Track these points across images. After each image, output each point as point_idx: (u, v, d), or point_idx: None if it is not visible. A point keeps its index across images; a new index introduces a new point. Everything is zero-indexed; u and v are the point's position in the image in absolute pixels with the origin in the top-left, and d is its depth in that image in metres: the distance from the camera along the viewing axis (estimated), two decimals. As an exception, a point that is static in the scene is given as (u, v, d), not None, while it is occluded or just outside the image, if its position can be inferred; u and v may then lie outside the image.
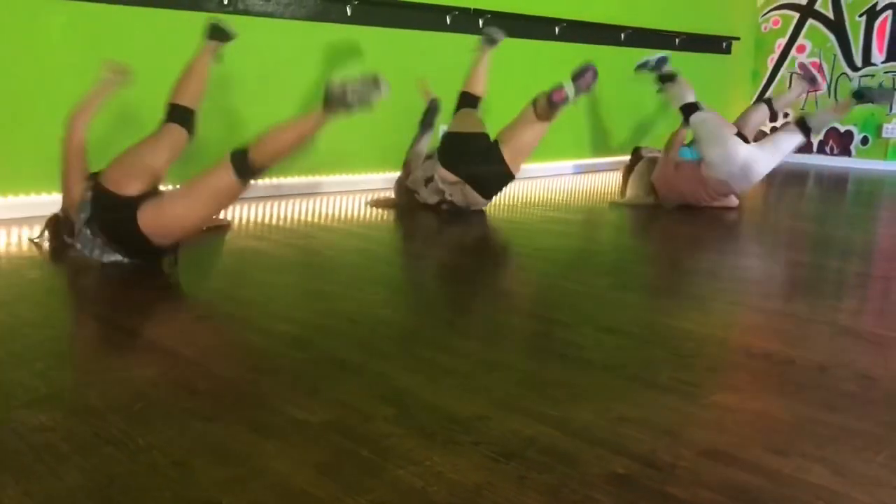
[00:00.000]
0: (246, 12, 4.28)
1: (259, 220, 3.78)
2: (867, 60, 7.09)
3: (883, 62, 7.00)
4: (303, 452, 1.41)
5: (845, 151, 7.24)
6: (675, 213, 4.22)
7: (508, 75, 5.44)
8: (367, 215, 4.03)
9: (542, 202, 4.65)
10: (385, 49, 4.95)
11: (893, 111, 6.90)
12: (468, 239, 3.61)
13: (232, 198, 2.69)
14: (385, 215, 4.05)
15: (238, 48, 4.30)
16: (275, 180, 4.44)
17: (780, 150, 4.21)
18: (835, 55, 7.28)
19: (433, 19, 5.14)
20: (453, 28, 5.26)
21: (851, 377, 1.85)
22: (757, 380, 1.84)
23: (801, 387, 1.78)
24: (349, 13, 4.68)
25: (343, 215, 4.02)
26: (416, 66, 5.12)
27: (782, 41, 7.62)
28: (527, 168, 4.87)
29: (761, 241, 3.76)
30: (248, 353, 2.00)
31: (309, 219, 3.85)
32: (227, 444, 1.44)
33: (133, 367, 1.82)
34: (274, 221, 3.75)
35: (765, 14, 7.72)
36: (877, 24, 7.00)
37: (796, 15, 7.49)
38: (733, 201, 4.39)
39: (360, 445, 1.44)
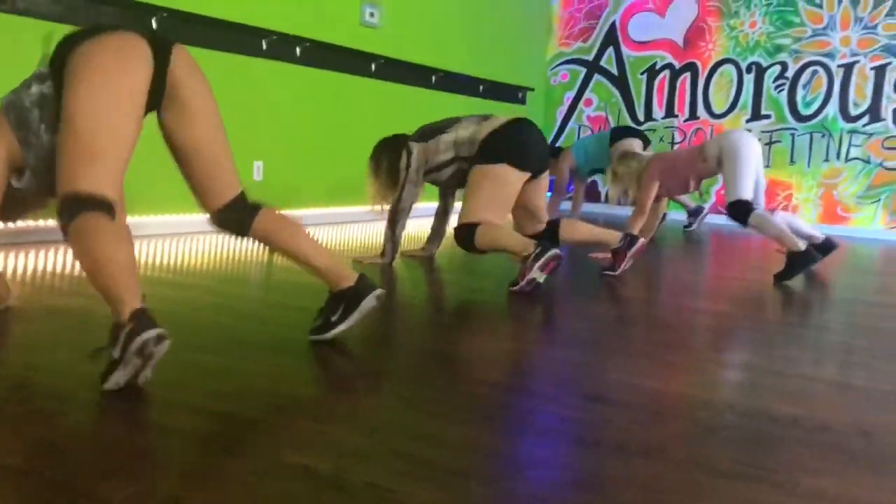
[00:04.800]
0: (27, 13, 3.44)
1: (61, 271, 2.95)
2: (649, 115, 7.51)
3: (663, 118, 7.46)
4: None
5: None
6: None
7: (322, 106, 5.01)
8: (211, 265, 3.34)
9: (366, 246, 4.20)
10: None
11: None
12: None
13: None
14: (211, 262, 3.38)
15: (18, 52, 3.45)
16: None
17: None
18: (619, 109, 7.64)
19: (249, 43, 4.55)
20: (269, 54, 4.70)
21: (893, 440, 1.62)
22: (815, 453, 1.53)
23: (869, 459, 1.50)
24: (155, 26, 3.97)
25: (173, 262, 3.29)
26: (227, 91, 4.50)
27: (570, 94, 7.88)
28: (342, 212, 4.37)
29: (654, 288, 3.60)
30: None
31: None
32: None
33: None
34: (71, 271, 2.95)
35: (553, 67, 7.95)
36: (657, 81, 7.45)
37: (583, 70, 7.80)
38: None
39: None
